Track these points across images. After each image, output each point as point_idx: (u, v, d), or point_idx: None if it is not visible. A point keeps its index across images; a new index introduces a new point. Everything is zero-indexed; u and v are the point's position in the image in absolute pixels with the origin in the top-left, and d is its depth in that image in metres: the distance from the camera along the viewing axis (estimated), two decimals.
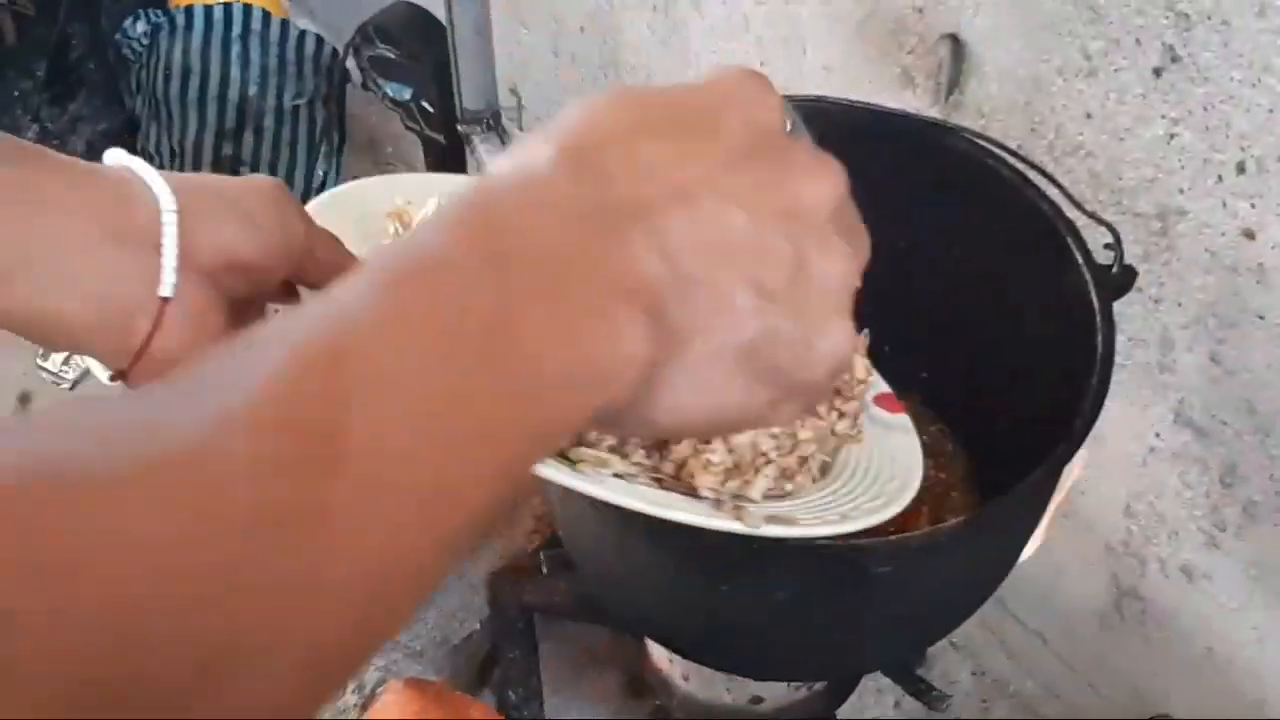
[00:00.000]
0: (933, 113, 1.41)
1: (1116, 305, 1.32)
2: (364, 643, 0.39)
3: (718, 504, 0.86)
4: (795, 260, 0.51)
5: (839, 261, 0.53)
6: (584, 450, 0.84)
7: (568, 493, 1.03)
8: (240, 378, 0.37)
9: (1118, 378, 1.39)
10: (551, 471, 0.78)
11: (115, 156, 0.74)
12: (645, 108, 0.51)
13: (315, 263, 0.78)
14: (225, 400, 0.36)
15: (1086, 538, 1.67)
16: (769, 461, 0.89)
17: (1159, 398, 1.37)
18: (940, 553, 0.93)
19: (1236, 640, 1.53)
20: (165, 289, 0.71)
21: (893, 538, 1.02)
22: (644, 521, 0.93)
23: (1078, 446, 0.98)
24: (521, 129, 2.33)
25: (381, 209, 0.95)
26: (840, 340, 0.54)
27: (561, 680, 2.00)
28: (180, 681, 0.32)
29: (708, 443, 0.86)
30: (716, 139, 0.51)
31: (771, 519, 0.84)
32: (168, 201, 0.71)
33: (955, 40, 1.34)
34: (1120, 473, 1.52)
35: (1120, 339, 1.34)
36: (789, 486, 0.90)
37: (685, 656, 1.27)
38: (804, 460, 0.93)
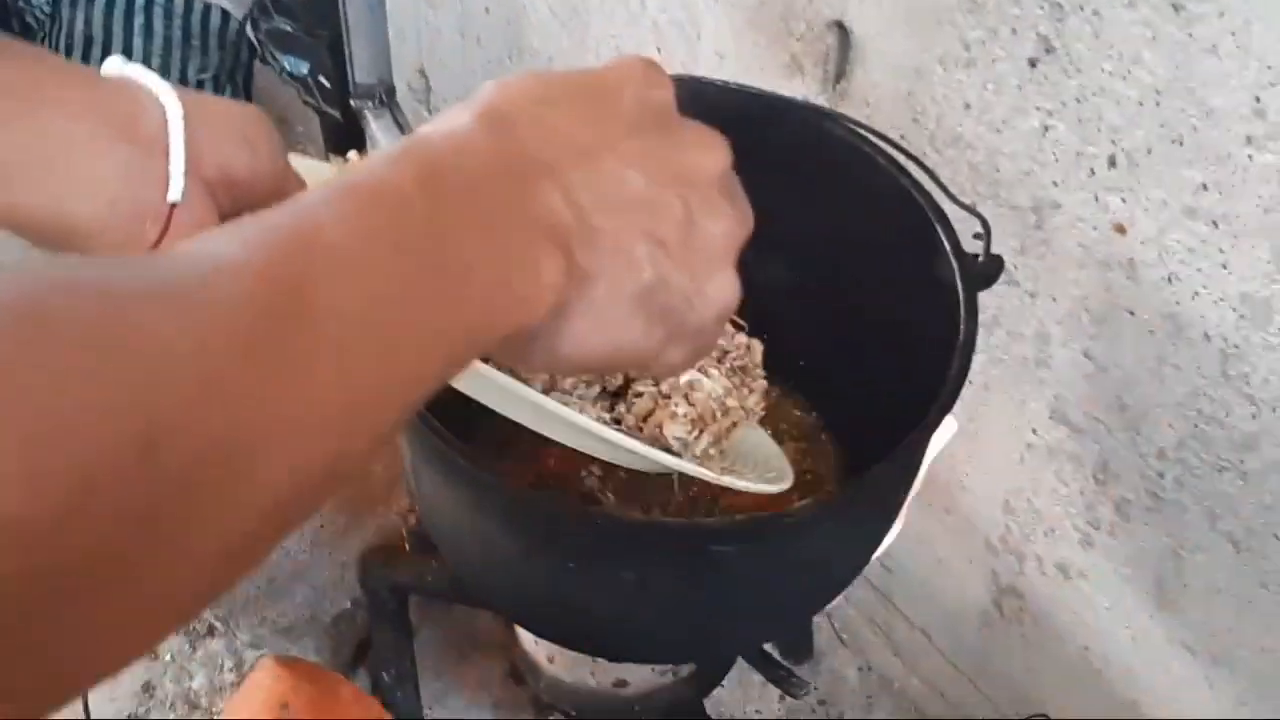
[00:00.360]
0: (820, 100, 1.40)
1: (995, 299, 1.32)
2: (329, 474, 0.44)
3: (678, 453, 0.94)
4: (685, 217, 0.60)
5: (724, 221, 0.62)
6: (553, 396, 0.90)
7: (422, 465, 1.02)
8: (226, 245, 0.43)
9: (996, 372, 1.39)
10: (515, 385, 0.81)
11: (114, 65, 0.73)
12: (550, 85, 0.59)
13: (284, 196, 0.77)
14: (217, 255, 0.42)
15: (967, 534, 1.67)
16: (727, 412, 1.00)
17: (1036, 393, 1.37)
18: (784, 536, 0.92)
19: (1111, 640, 1.53)
20: (174, 194, 0.70)
21: (736, 518, 1.01)
22: (494, 495, 0.92)
23: (926, 437, 0.98)
24: (430, 112, 2.30)
25: None
26: (725, 289, 0.63)
27: (441, 665, 1.98)
28: (183, 470, 0.37)
29: (667, 397, 0.98)
30: (615, 111, 0.59)
31: (726, 471, 0.93)
32: (174, 107, 0.71)
33: (842, 28, 1.33)
34: (999, 469, 1.52)
35: (999, 333, 1.34)
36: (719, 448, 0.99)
37: (541, 636, 1.25)
38: (733, 425, 1.02)
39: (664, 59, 1.65)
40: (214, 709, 1.94)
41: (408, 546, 1.77)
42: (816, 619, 2.13)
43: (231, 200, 0.75)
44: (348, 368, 0.44)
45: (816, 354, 1.31)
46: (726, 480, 0.93)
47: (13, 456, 0.32)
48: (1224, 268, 1.05)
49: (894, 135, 1.31)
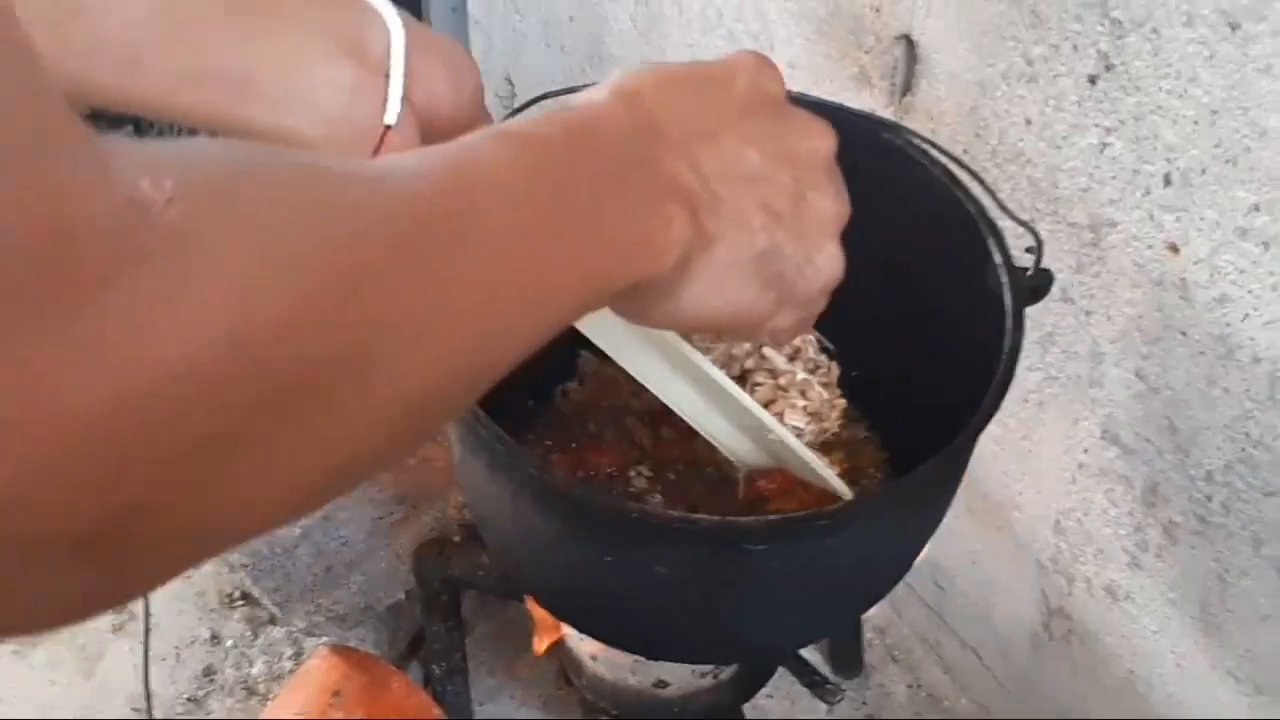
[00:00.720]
0: (887, 113, 1.41)
1: (1052, 317, 1.32)
2: (462, 381, 0.49)
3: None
4: (796, 192, 0.66)
5: (830, 199, 0.69)
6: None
7: (469, 457, 1.03)
8: (408, 159, 0.48)
9: (1051, 390, 1.39)
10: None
11: None
12: (674, 72, 0.64)
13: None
14: (401, 164, 0.48)
15: (1019, 554, 1.66)
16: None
17: (1088, 412, 1.36)
18: (818, 536, 0.92)
19: (1157, 664, 1.52)
20: (390, 116, 0.72)
21: (770, 517, 1.02)
22: (533, 484, 0.94)
23: (969, 442, 0.98)
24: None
25: None
26: (832, 260, 0.70)
27: (494, 662, 1.99)
28: (372, 321, 0.41)
29: (785, 390, 1.10)
30: (732, 96, 0.65)
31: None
32: (399, 31, 0.73)
33: (909, 42, 1.34)
34: (1051, 488, 1.51)
35: (1055, 351, 1.34)
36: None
37: (579, 629, 1.26)
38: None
39: None
40: (271, 696, 1.97)
41: (457, 539, 1.78)
42: (868, 635, 2.12)
43: (430, 134, 0.77)
44: (496, 283, 0.49)
45: (866, 362, 1.31)
46: (823, 469, 1.02)
47: (239, 278, 0.36)
48: (1274, 290, 1.05)
49: (958, 150, 1.31)
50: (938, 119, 1.33)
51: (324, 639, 1.84)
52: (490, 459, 1.00)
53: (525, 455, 0.94)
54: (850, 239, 1.24)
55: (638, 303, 0.64)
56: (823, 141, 0.70)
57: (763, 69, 0.68)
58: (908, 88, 1.37)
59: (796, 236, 0.67)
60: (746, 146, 0.64)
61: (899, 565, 1.14)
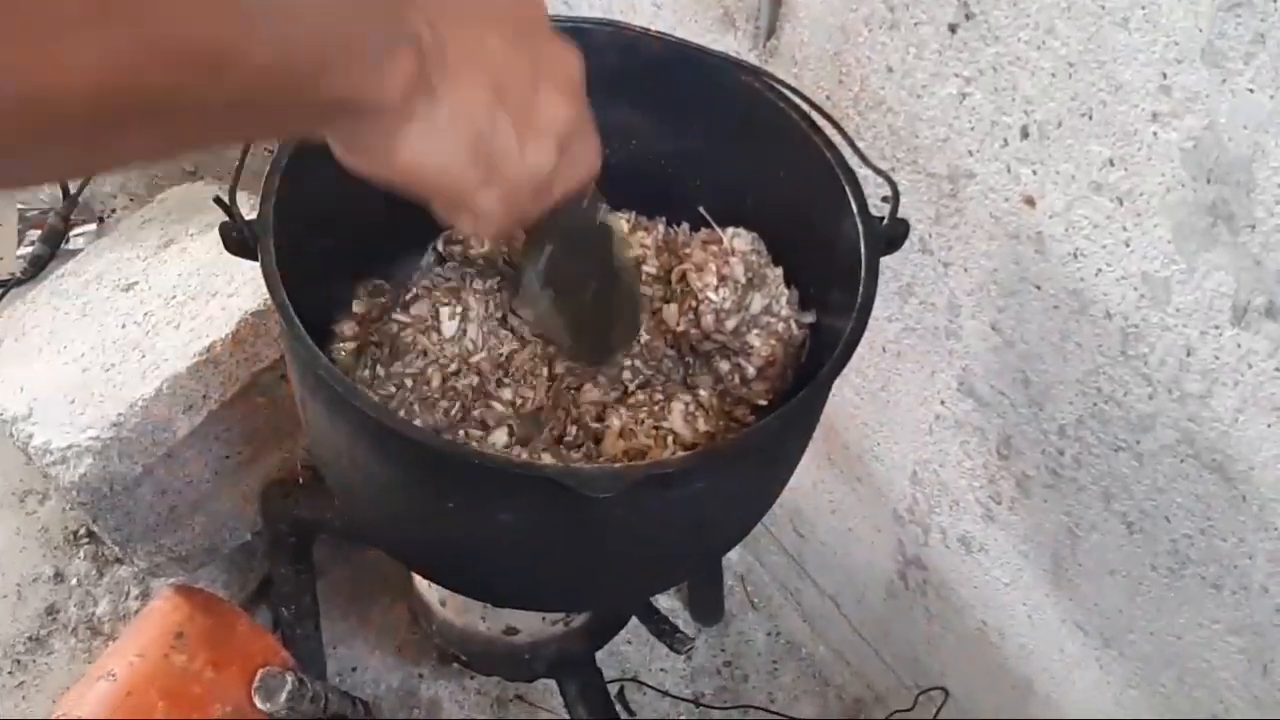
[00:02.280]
0: (751, 56, 1.40)
1: (911, 268, 1.32)
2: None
3: None
4: (530, 84, 0.71)
5: (564, 104, 0.74)
6: None
7: (308, 396, 1.01)
8: None
9: (909, 341, 1.40)
10: None
11: None
12: None
13: None
14: None
15: (877, 503, 1.67)
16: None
17: (945, 364, 1.37)
18: (661, 486, 0.91)
19: (1009, 616, 1.54)
20: None
21: (613, 466, 1.01)
22: (372, 426, 0.92)
23: (817, 395, 0.98)
24: None
25: None
26: (544, 158, 0.74)
27: (348, 606, 1.98)
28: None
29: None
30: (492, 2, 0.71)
31: None
32: None
33: None
34: (909, 439, 1.52)
35: (913, 302, 1.34)
36: None
37: (425, 576, 1.25)
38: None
39: (601, 6, 1.64)
40: (116, 635, 1.93)
41: (301, 480, 1.75)
42: (729, 582, 2.14)
43: None
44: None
45: None
46: None
47: None
48: (1126, 245, 1.05)
49: (820, 96, 1.31)
50: (801, 64, 1.33)
51: (171, 580, 1.81)
52: (329, 399, 0.98)
53: (364, 395, 0.92)
54: (710, 180, 1.25)
55: (357, 132, 0.67)
56: (570, 56, 0.75)
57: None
58: (772, 31, 1.36)
59: (518, 124, 0.71)
60: (491, 32, 0.69)
61: (749, 517, 1.14)
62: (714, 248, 1.19)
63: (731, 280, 1.16)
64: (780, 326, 1.16)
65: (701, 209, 1.25)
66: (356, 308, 1.22)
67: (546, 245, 1.00)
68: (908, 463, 1.55)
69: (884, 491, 1.64)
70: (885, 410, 1.54)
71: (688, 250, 1.20)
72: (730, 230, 1.19)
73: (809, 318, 1.18)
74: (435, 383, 1.15)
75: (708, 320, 1.15)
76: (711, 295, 1.15)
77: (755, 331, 1.16)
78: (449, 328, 1.17)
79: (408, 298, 1.20)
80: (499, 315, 1.21)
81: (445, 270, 1.26)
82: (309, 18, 0.57)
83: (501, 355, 1.19)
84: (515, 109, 0.71)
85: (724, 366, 1.17)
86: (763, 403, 1.16)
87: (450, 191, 0.73)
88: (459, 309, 1.18)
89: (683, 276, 1.18)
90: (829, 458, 1.72)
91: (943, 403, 1.41)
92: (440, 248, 1.28)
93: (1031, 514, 1.36)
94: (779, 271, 1.20)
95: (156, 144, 0.56)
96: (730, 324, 1.15)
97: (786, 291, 1.19)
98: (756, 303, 1.16)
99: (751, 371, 1.16)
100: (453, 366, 1.16)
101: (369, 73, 0.62)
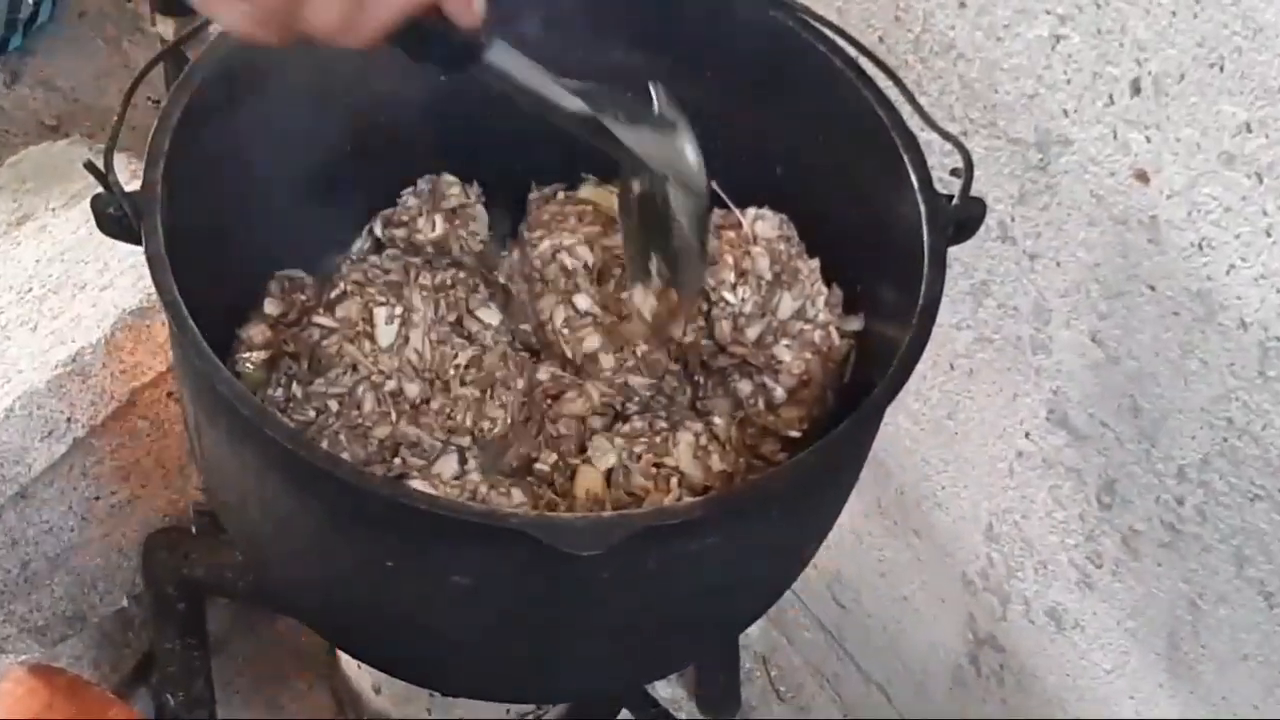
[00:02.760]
0: None
1: (986, 259, 1.33)
2: None
3: None
4: None
5: None
6: None
7: (205, 422, 1.01)
8: None
9: (984, 356, 1.40)
10: None
11: None
12: None
13: None
14: None
15: (941, 565, 1.67)
16: None
17: (1031, 386, 1.37)
18: (664, 542, 0.92)
19: (1111, 712, 1.54)
20: None
21: (602, 515, 1.01)
22: (287, 461, 0.92)
23: (865, 429, 0.98)
24: None
25: None
26: None
27: (251, 688, 1.97)
28: None
29: None
30: None
31: None
32: None
33: None
34: (982, 482, 1.52)
35: (989, 304, 1.35)
36: None
37: (355, 656, 1.25)
38: None
39: None
40: None
41: (194, 529, 1.75)
42: (747, 665, 2.13)
43: None
44: None
45: None
46: None
47: None
48: (1268, 235, 1.06)
49: (870, 36, 1.31)
50: None
51: (20, 657, 1.80)
52: (232, 425, 0.98)
53: (276, 420, 0.92)
54: (741, 144, 1.25)
55: None
56: None
57: None
58: None
59: None
60: None
61: (775, 582, 1.15)
62: (730, 234, 1.19)
63: (753, 276, 1.16)
64: (817, 335, 1.17)
65: (713, 184, 1.25)
66: (269, 308, 1.22)
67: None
68: (981, 513, 1.55)
69: (950, 550, 1.64)
70: (952, 444, 1.54)
71: None
72: (752, 211, 1.20)
73: (854, 324, 1.18)
74: (367, 406, 1.15)
75: (723, 328, 1.16)
76: (727, 296, 1.15)
77: (785, 342, 1.16)
78: (385, 334, 1.17)
79: (333, 295, 1.20)
80: (453, 318, 1.21)
81: (383, 260, 1.26)
82: None
83: (458, 366, 1.19)
84: None
85: (745, 388, 1.18)
86: (794, 434, 1.17)
87: None
88: (398, 310, 1.18)
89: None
90: (879, 505, 1.73)
91: (1027, 435, 1.41)
92: (378, 231, 1.29)
93: (1141, 580, 1.36)
94: (815, 264, 1.20)
95: None
96: (752, 333, 1.16)
97: (825, 290, 1.19)
98: (786, 305, 1.17)
99: (780, 394, 1.16)
100: (390, 384, 1.16)
101: None
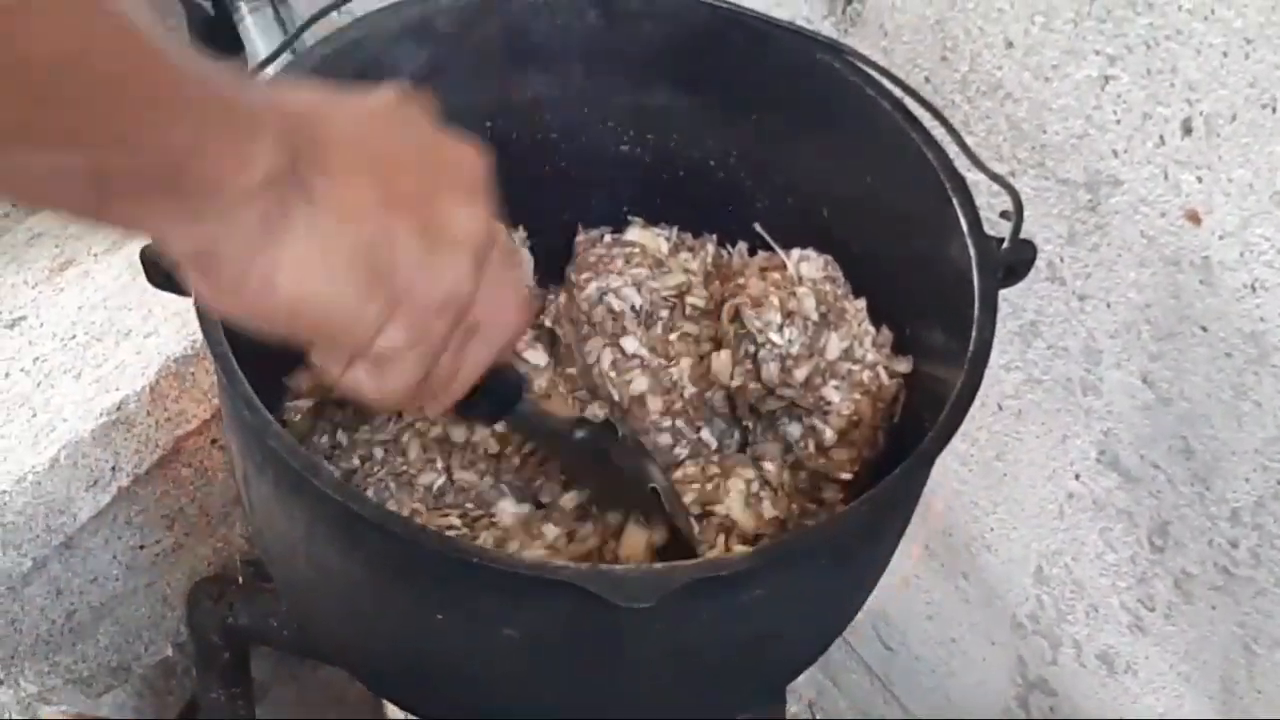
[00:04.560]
0: (827, 24, 1.40)
1: (1035, 300, 1.32)
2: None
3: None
4: (430, 189, 0.75)
5: (471, 212, 0.77)
6: None
7: (254, 473, 1.01)
8: None
9: (1033, 396, 1.39)
10: None
11: None
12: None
13: None
14: None
15: (990, 608, 1.67)
16: None
17: (1081, 427, 1.37)
18: (716, 592, 0.91)
19: None
20: None
21: (653, 566, 1.01)
22: (337, 513, 0.92)
23: (916, 477, 0.98)
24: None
25: None
26: (460, 273, 0.76)
27: None
28: None
29: None
30: (368, 102, 0.77)
31: None
32: None
33: None
34: (1033, 524, 1.52)
35: (1038, 345, 1.34)
36: None
37: (404, 708, 1.25)
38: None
39: None
40: None
41: (243, 578, 1.75)
42: (793, 709, 2.13)
43: None
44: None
45: None
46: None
47: None
48: None
49: (918, 77, 1.31)
50: (892, 35, 1.33)
51: (63, 707, 1.81)
52: (281, 477, 0.98)
53: (327, 473, 0.92)
54: (780, 190, 1.25)
55: (223, 242, 0.68)
56: (471, 155, 0.79)
57: (407, 101, 0.78)
58: None
59: (419, 231, 0.73)
60: (375, 127, 0.75)
61: (826, 630, 1.14)
62: (776, 275, 1.19)
63: (799, 317, 1.16)
64: (865, 375, 1.16)
65: (758, 225, 1.25)
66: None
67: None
68: (1031, 555, 1.55)
69: (999, 592, 1.63)
70: (1001, 486, 1.54)
71: (742, 280, 1.20)
72: (796, 252, 1.19)
73: (903, 365, 1.18)
74: (413, 453, 1.15)
75: (770, 370, 1.15)
76: (774, 337, 1.15)
77: (833, 383, 1.16)
78: None
79: None
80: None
81: None
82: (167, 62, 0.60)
83: None
84: (413, 214, 0.74)
85: (794, 430, 1.17)
86: (846, 476, 1.16)
87: (346, 321, 0.74)
88: None
89: (736, 314, 1.18)
90: (927, 547, 1.72)
91: (1077, 477, 1.41)
92: None
93: (1195, 624, 1.36)
94: (861, 304, 1.20)
95: None
96: (800, 374, 1.15)
97: (873, 330, 1.19)
98: (833, 345, 1.16)
99: (830, 435, 1.16)
100: (435, 430, 1.16)
101: (224, 141, 0.64)
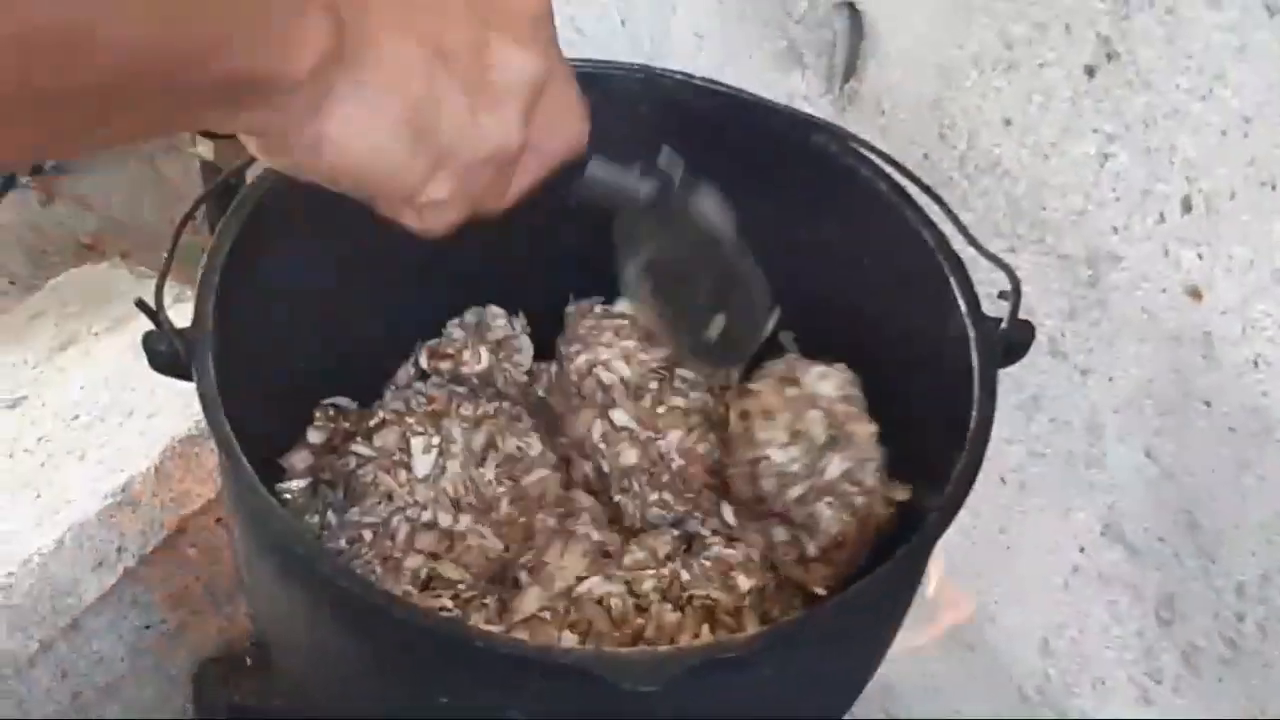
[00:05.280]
0: (824, 102, 1.41)
1: (1037, 375, 1.33)
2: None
3: None
4: (478, 36, 0.73)
5: (525, 56, 0.75)
6: None
7: (255, 556, 1.01)
8: None
9: (1036, 470, 1.40)
10: None
11: None
12: None
13: None
14: None
15: (995, 681, 1.66)
16: None
17: (1085, 501, 1.37)
18: (721, 674, 0.91)
19: None
20: None
21: (658, 649, 1.01)
22: (341, 598, 0.92)
23: (917, 558, 0.98)
24: None
25: None
26: (504, 126, 0.75)
27: None
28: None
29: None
30: None
31: None
32: None
33: (853, 10, 1.34)
34: (1037, 597, 1.52)
35: (1040, 419, 1.34)
36: None
37: None
38: None
39: (628, 36, 1.65)
40: None
41: (249, 660, 1.75)
42: None
43: None
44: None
45: None
46: None
47: None
48: None
49: (915, 155, 1.32)
50: (890, 114, 1.34)
51: None
52: (282, 561, 0.98)
53: (332, 559, 0.92)
54: (776, 269, 1.25)
55: (271, 122, 0.68)
56: None
57: None
58: (851, 71, 1.37)
59: (467, 87, 0.73)
60: None
61: (833, 706, 1.14)
62: (792, 391, 1.18)
63: (805, 439, 1.15)
64: (860, 500, 1.15)
65: (782, 339, 1.25)
66: (312, 436, 1.22)
67: (639, 250, 1.06)
68: (1035, 628, 1.54)
69: (1004, 666, 1.63)
70: (1005, 559, 1.53)
71: (757, 387, 1.19)
72: (818, 369, 1.18)
73: (901, 494, 1.17)
74: (401, 536, 1.14)
75: (767, 485, 1.15)
76: (775, 454, 1.15)
77: (826, 500, 1.15)
78: (422, 464, 1.17)
79: (372, 424, 1.20)
80: (493, 449, 1.21)
81: (427, 387, 1.26)
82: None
83: (495, 497, 1.19)
84: (462, 68, 0.73)
85: (779, 534, 1.17)
86: (820, 591, 1.16)
87: (391, 182, 0.75)
88: (435, 440, 1.18)
89: (746, 415, 1.18)
90: (930, 620, 1.72)
91: (1082, 550, 1.41)
92: (423, 362, 1.29)
93: (1203, 697, 1.35)
94: (874, 428, 1.18)
95: (26, 141, 0.59)
96: (794, 492, 1.15)
97: (878, 455, 1.18)
98: (834, 467, 1.15)
99: (813, 550, 1.15)
100: (425, 515, 1.16)
101: (271, 43, 0.63)
